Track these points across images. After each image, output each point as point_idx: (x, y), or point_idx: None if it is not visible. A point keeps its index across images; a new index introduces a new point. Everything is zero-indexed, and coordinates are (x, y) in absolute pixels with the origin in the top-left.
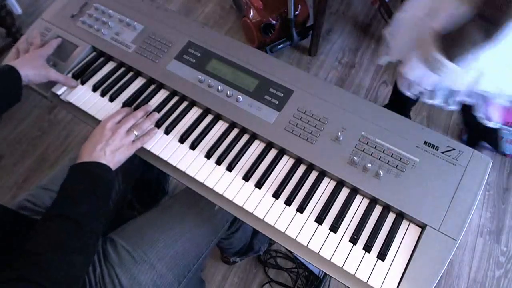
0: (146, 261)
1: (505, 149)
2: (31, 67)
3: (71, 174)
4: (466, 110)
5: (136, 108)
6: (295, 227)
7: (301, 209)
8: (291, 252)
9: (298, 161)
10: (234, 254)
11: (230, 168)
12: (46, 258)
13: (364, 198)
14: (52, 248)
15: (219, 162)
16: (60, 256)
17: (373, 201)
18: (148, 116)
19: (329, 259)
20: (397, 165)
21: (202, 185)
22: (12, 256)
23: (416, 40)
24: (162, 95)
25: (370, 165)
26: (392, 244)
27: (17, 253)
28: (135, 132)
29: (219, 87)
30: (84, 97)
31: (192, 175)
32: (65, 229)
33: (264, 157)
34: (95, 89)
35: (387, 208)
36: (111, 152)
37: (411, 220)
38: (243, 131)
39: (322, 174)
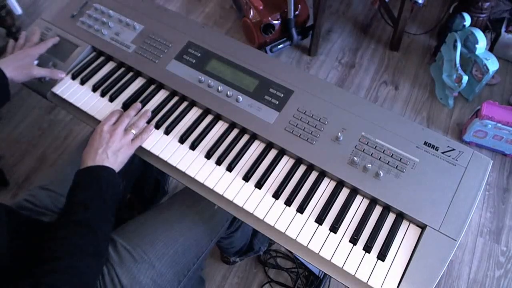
0: (146, 261)
1: (505, 149)
2: (14, 68)
3: (77, 179)
4: None
5: None
6: (295, 227)
7: (301, 209)
8: (291, 252)
9: (298, 161)
10: (234, 254)
11: (230, 168)
12: (65, 264)
13: (364, 199)
14: (69, 253)
15: (219, 162)
16: (78, 261)
17: (373, 202)
18: (141, 114)
19: (329, 259)
20: (397, 166)
21: (202, 185)
22: (13, 257)
23: None
24: (162, 95)
25: (370, 165)
26: (392, 245)
27: (25, 256)
28: (133, 131)
29: (219, 87)
30: (84, 97)
31: (192, 175)
32: (79, 234)
33: (264, 157)
34: (95, 89)
35: (387, 209)
36: (113, 153)
37: (411, 221)
38: (243, 131)
39: (322, 174)
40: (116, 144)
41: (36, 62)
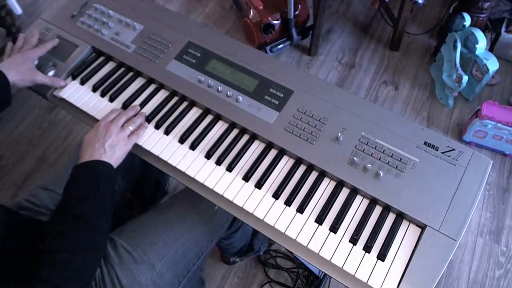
0: (146, 261)
1: (505, 149)
2: (17, 72)
3: (74, 174)
4: None
5: None
6: (295, 227)
7: (301, 209)
8: (291, 252)
9: (298, 161)
10: (234, 254)
11: (230, 168)
12: (60, 258)
13: (364, 199)
14: (65, 248)
15: (219, 162)
16: (74, 255)
17: (373, 202)
18: (138, 114)
19: (329, 259)
20: (397, 166)
21: (202, 185)
22: (13, 257)
23: None
24: (162, 95)
25: (370, 165)
26: (392, 245)
27: (25, 256)
28: (130, 127)
29: (219, 87)
30: (84, 97)
31: (192, 175)
32: (75, 228)
33: (264, 157)
34: (95, 89)
35: (387, 209)
36: (110, 147)
37: (411, 221)
38: (243, 131)
39: (322, 175)
40: (113, 138)
41: (36, 62)
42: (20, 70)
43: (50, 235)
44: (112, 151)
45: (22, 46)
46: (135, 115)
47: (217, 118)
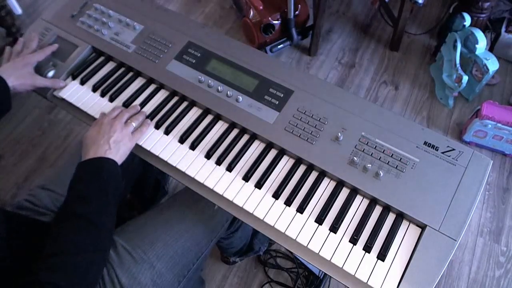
0: (146, 261)
1: (505, 149)
2: (16, 77)
3: (79, 172)
4: None
5: None
6: (295, 227)
7: (301, 209)
8: (291, 252)
9: (298, 161)
10: (234, 254)
11: (230, 168)
12: (64, 260)
13: (364, 199)
14: (69, 249)
15: (219, 162)
16: (78, 256)
17: (373, 202)
18: (139, 112)
19: (329, 259)
20: (397, 166)
21: (202, 185)
22: (13, 257)
23: None
24: (162, 95)
25: (370, 165)
26: (392, 245)
27: (25, 256)
28: (133, 123)
29: (219, 87)
30: (84, 97)
31: (192, 175)
32: (79, 228)
33: (264, 157)
34: (95, 89)
35: (387, 209)
36: (115, 143)
37: (411, 221)
38: (243, 131)
39: (322, 174)
40: (117, 135)
41: (35, 64)
42: (20, 75)
43: (52, 235)
44: (117, 148)
45: (21, 50)
46: (135, 112)
47: (217, 118)
